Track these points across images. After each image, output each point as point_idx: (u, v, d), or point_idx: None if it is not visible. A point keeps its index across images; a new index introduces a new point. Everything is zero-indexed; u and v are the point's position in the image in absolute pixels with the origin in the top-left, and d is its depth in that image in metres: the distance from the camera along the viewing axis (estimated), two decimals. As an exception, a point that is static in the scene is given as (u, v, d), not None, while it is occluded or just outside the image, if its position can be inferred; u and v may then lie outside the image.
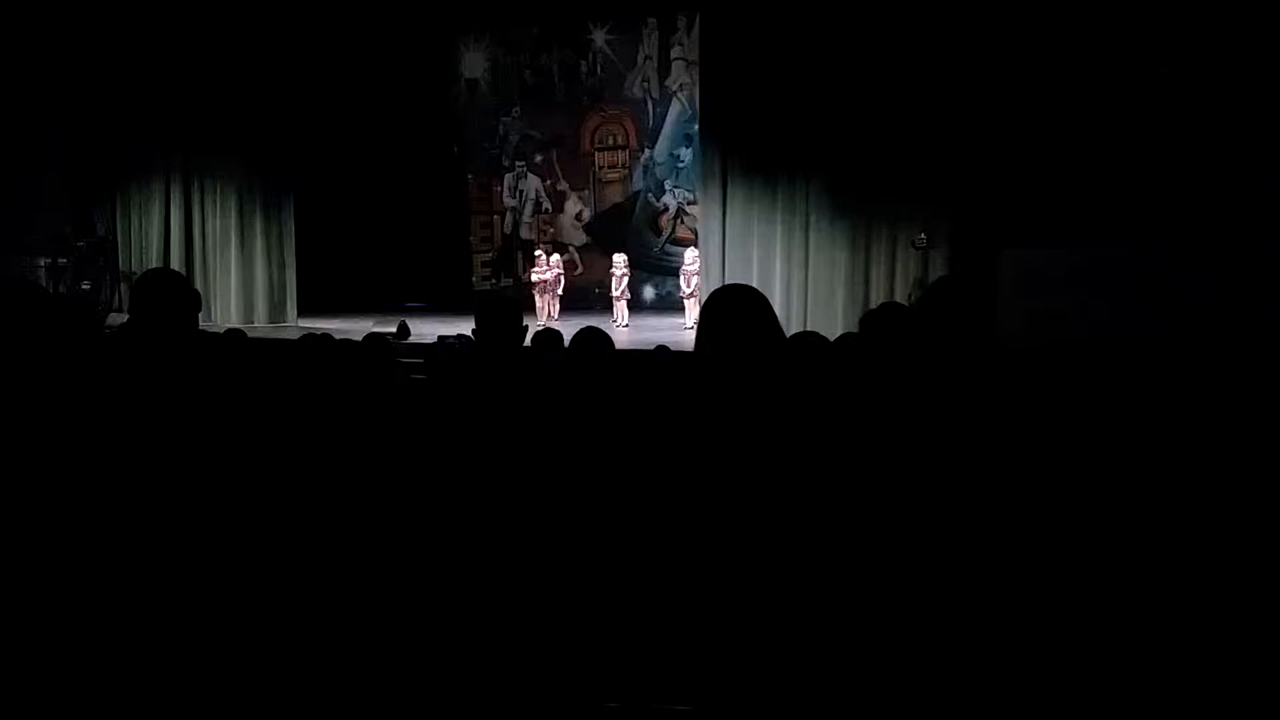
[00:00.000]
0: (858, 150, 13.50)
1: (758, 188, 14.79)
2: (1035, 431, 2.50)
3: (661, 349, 5.56)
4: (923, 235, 13.34)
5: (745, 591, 2.33)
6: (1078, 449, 2.58)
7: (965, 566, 2.32)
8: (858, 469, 2.40)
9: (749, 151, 14.70)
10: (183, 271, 16.72)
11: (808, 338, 3.48)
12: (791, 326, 13.20)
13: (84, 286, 16.64)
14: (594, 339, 3.73)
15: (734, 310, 2.49)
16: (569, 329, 4.05)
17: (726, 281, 11.54)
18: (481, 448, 2.93)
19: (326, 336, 5.46)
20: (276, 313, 17.71)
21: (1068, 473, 2.49)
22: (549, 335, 4.45)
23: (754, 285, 3.36)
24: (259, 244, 18.02)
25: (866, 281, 13.94)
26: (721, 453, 2.40)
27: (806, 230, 14.35)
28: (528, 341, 4.04)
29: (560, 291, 17.18)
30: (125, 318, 12.26)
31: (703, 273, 15.28)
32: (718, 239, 15.13)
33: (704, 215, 15.76)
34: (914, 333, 3.45)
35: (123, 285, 17.31)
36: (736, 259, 14.84)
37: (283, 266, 18.10)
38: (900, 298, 13.21)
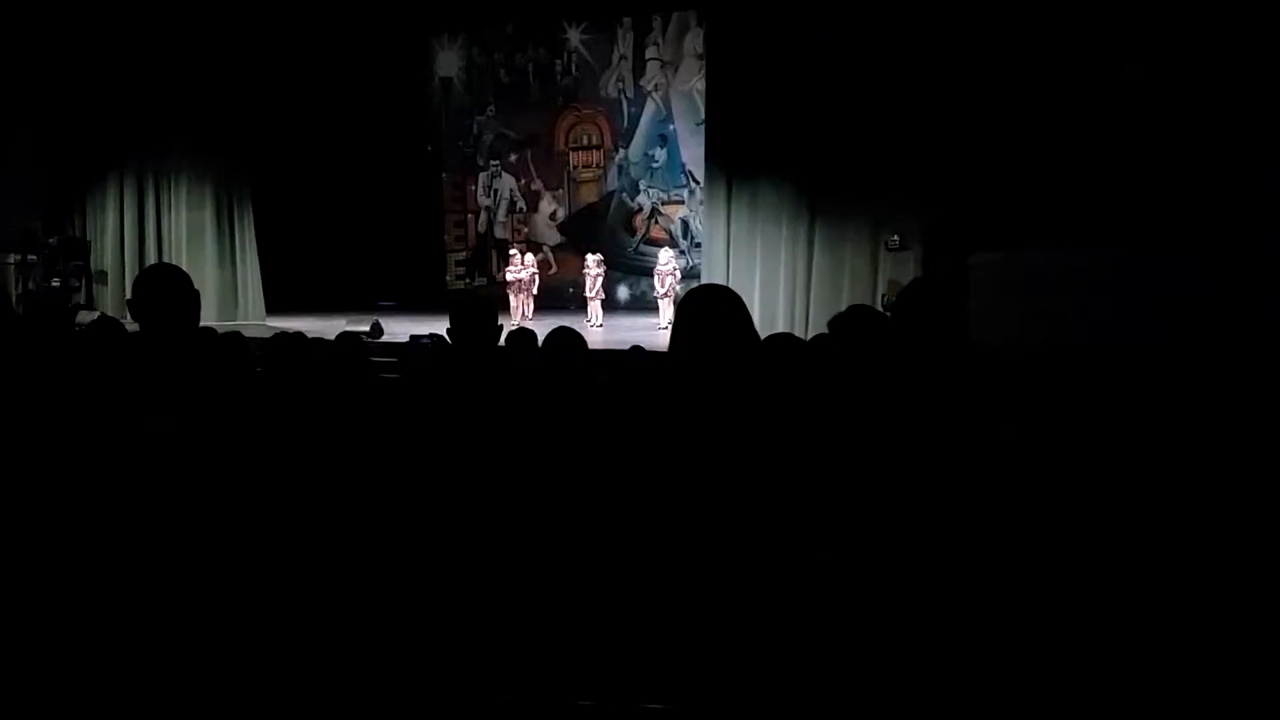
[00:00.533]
0: (845, 151, 13.47)
1: (761, 189, 14.72)
2: (1006, 432, 2.52)
3: (636, 349, 5.57)
4: (895, 237, 13.40)
5: (719, 590, 2.34)
6: (1052, 451, 2.60)
7: (938, 567, 2.34)
8: (831, 469, 2.41)
9: (753, 152, 14.61)
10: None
11: (782, 339, 3.49)
12: (794, 327, 13.27)
13: (53, 284, 16.49)
14: (567, 339, 3.74)
15: (709, 311, 2.50)
16: (543, 328, 4.05)
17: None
18: (456, 448, 2.93)
19: (299, 335, 5.45)
20: (229, 311, 17.56)
21: (1040, 474, 2.51)
22: (522, 335, 4.47)
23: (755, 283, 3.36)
24: (226, 242, 17.92)
25: (839, 283, 13.95)
26: (695, 453, 2.41)
27: (799, 229, 14.32)
28: (502, 341, 4.06)
29: (535, 291, 17.16)
30: (96, 315, 12.03)
31: (706, 275, 15.15)
32: (722, 243, 15.03)
33: (708, 218, 15.64)
34: (881, 336, 3.50)
35: (95, 284, 17.20)
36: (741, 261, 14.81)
37: (244, 265, 18.00)
38: (877, 298, 13.27)
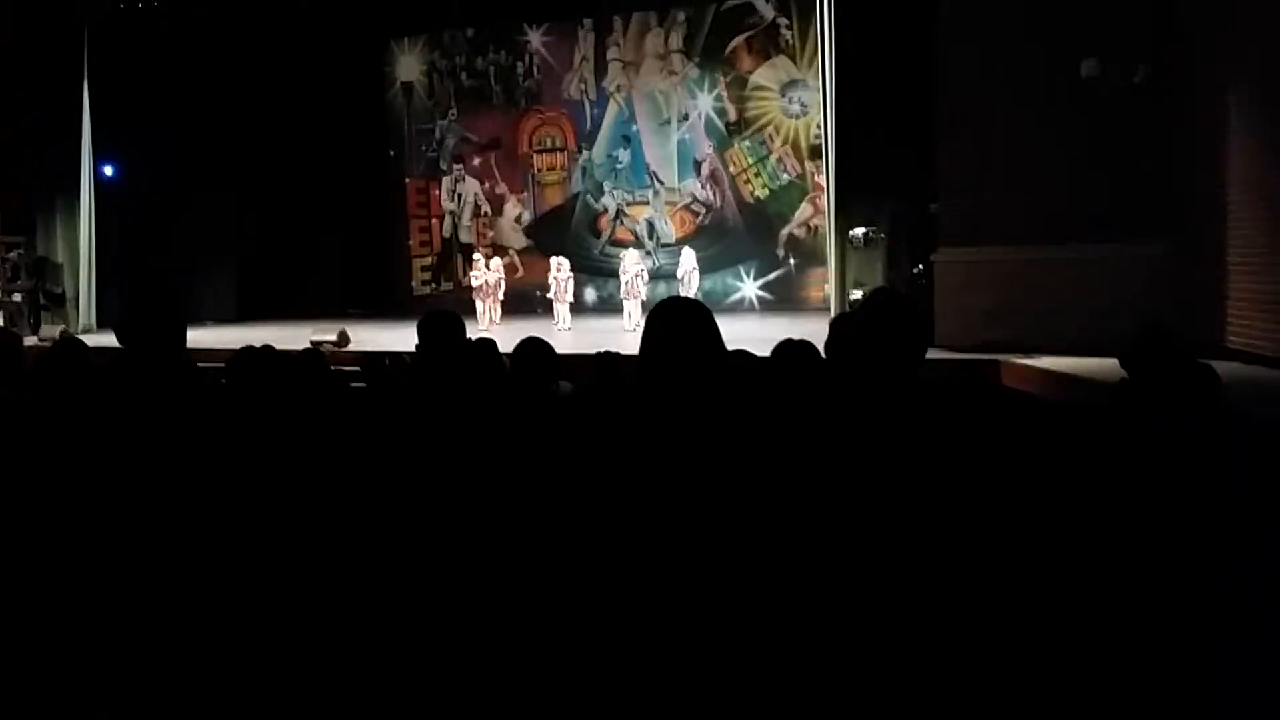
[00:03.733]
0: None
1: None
2: (952, 461, 2.52)
3: (606, 354, 5.54)
4: (860, 231, 13.41)
5: (686, 604, 2.34)
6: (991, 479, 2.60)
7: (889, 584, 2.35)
8: (786, 487, 2.41)
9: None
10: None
11: (741, 355, 3.50)
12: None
13: (14, 299, 16.32)
14: (536, 352, 3.72)
15: (677, 325, 2.50)
16: (510, 332, 4.04)
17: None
18: (422, 466, 2.92)
19: (267, 349, 5.39)
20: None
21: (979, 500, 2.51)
22: (483, 347, 4.41)
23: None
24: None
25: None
26: (663, 467, 2.40)
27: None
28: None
29: (501, 295, 17.09)
30: (59, 330, 11.93)
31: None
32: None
33: None
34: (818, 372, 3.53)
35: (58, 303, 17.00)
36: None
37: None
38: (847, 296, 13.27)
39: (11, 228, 16.59)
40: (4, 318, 16.22)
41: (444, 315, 3.43)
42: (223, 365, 4.17)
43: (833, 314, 13.40)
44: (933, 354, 2.95)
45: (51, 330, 15.43)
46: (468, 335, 3.59)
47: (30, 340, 14.08)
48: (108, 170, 17.78)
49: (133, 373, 3.15)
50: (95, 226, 17.17)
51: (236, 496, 2.93)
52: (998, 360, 10.33)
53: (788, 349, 3.90)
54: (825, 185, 14.25)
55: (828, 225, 13.93)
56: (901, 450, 2.44)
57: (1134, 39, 10.65)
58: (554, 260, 16.72)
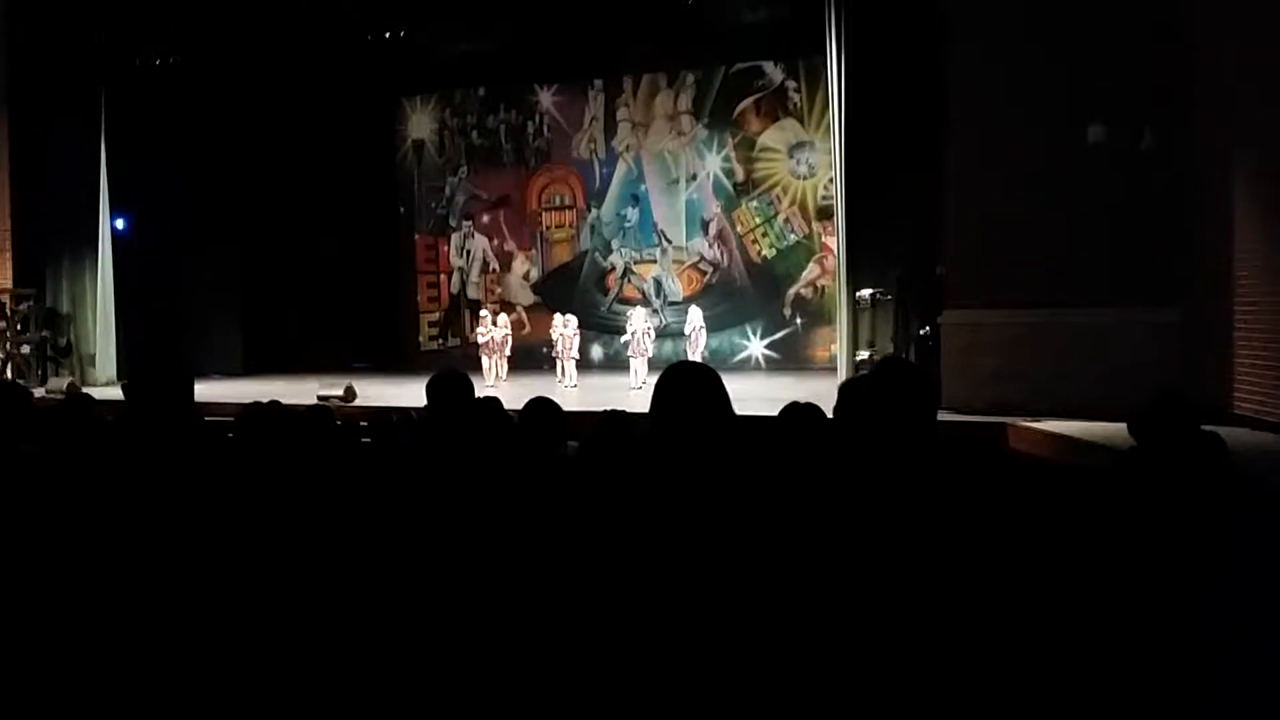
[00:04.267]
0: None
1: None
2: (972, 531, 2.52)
3: (612, 413, 5.54)
4: (866, 293, 13.45)
5: (693, 665, 2.33)
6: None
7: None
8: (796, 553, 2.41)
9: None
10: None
11: (751, 421, 3.50)
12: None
13: (23, 351, 16.38)
14: (544, 412, 3.72)
15: (687, 390, 2.51)
16: (516, 389, 4.05)
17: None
18: (427, 527, 2.91)
19: (274, 404, 5.41)
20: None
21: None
22: (490, 406, 4.40)
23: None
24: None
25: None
26: (671, 531, 2.40)
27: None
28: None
29: (508, 351, 17.12)
30: (66, 382, 11.95)
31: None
32: None
33: None
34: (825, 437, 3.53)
35: (64, 355, 17.05)
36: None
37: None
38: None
39: (21, 280, 16.68)
40: (13, 370, 16.28)
41: (453, 376, 3.44)
42: (230, 419, 4.20)
43: (840, 374, 13.41)
44: (939, 415, 2.95)
45: (59, 383, 15.47)
46: (475, 395, 3.59)
47: (38, 392, 14.12)
48: (118, 224, 17.94)
49: (140, 428, 3.17)
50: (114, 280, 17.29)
51: (243, 550, 2.93)
52: (1004, 423, 10.31)
53: (794, 412, 3.90)
54: (835, 247, 14.30)
55: (837, 287, 13.97)
56: (911, 516, 2.44)
57: (1142, 105, 10.74)
58: (559, 317, 16.76)
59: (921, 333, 12.57)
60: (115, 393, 10.72)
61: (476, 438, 3.27)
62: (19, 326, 16.45)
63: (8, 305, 16.38)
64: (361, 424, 6.56)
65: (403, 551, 2.97)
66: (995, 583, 2.48)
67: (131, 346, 16.81)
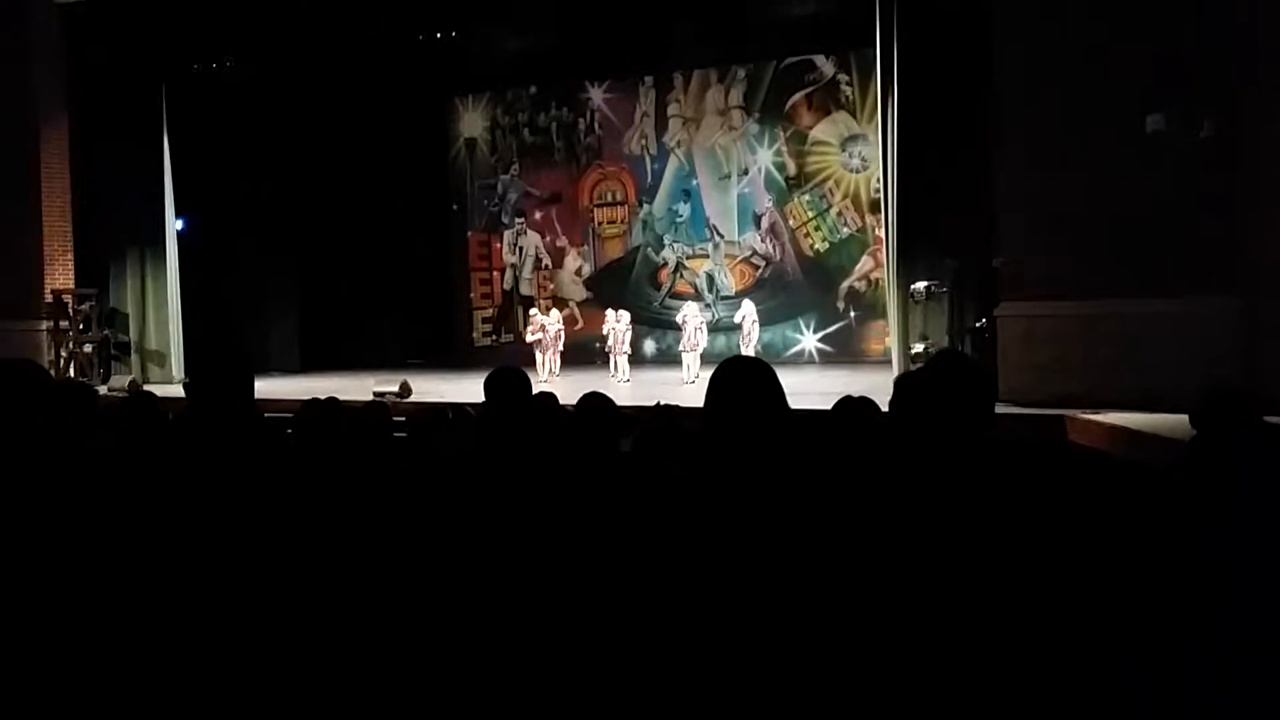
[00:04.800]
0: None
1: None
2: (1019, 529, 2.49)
3: (664, 407, 5.55)
4: (920, 286, 13.29)
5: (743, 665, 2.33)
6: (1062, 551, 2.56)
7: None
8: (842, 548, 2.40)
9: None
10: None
11: (809, 415, 3.50)
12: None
13: (85, 350, 16.67)
14: (598, 406, 3.73)
15: (742, 384, 2.50)
16: (569, 384, 4.06)
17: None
18: (490, 526, 2.93)
19: (331, 400, 5.46)
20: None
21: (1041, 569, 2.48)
22: (546, 401, 4.43)
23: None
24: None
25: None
26: (730, 527, 2.40)
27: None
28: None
29: (560, 347, 17.18)
30: (128, 380, 12.16)
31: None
32: None
33: None
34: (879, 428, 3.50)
35: (123, 353, 17.31)
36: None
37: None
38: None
39: (83, 280, 16.98)
40: (75, 368, 16.58)
41: (510, 373, 3.46)
42: (289, 415, 4.24)
43: (894, 367, 13.31)
44: (997, 408, 2.91)
45: (122, 381, 15.73)
46: (532, 391, 3.61)
47: (101, 390, 14.38)
48: (178, 224, 18.22)
49: (202, 426, 3.22)
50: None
51: (303, 546, 2.96)
52: (1063, 415, 10.19)
53: (849, 406, 3.89)
54: (885, 239, 14.17)
55: (888, 279, 13.85)
56: (968, 512, 2.42)
57: (1200, 93, 10.55)
58: (611, 313, 16.78)
59: (977, 325, 12.43)
60: (178, 390, 10.90)
61: (534, 433, 3.28)
62: (81, 325, 16.74)
63: (70, 305, 16.68)
64: (418, 419, 6.60)
65: (458, 549, 2.99)
66: (1054, 579, 2.46)
67: (192, 345, 17.06)
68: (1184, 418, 3.99)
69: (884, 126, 13.61)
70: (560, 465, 3.26)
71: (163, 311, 17.26)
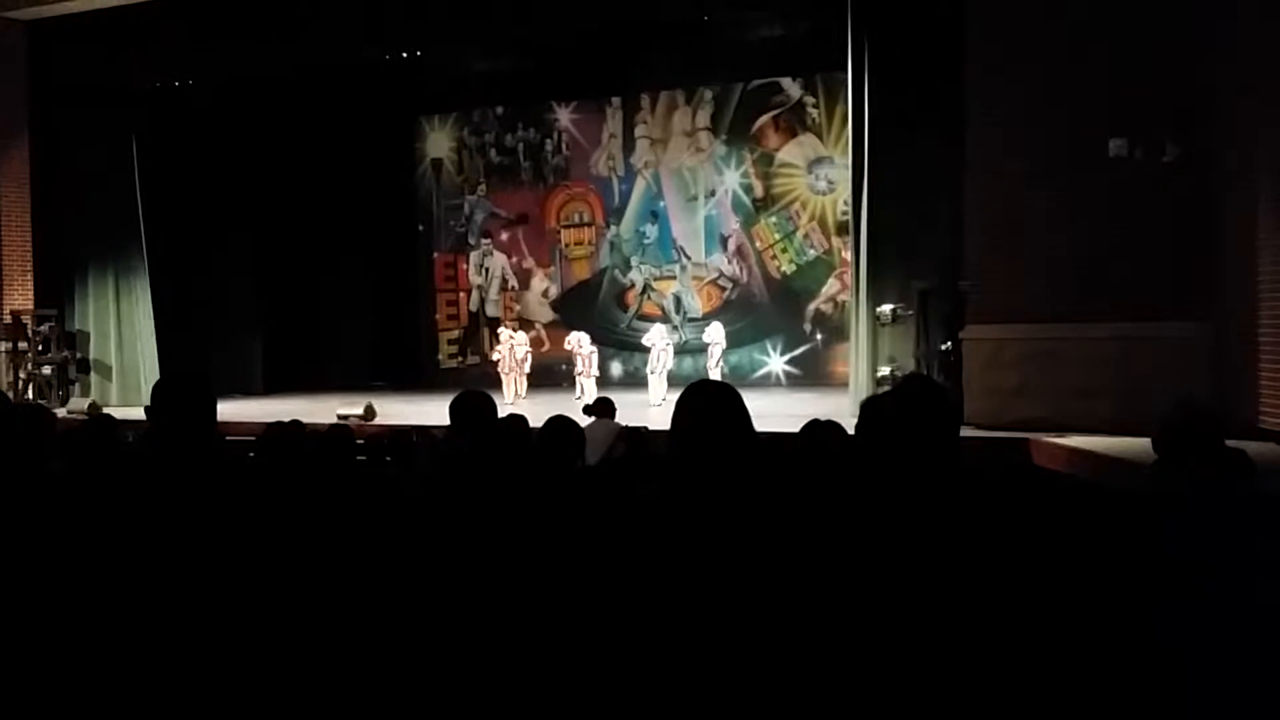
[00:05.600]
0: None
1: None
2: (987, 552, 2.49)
3: (630, 429, 5.53)
4: (886, 309, 13.35)
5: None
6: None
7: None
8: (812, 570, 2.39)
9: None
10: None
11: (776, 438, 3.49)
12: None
13: (44, 371, 16.49)
14: (563, 429, 3.71)
15: (708, 408, 2.50)
16: (535, 406, 4.04)
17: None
18: (457, 547, 2.90)
19: (295, 423, 5.41)
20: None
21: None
22: (516, 423, 4.40)
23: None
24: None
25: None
26: (695, 550, 2.39)
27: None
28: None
29: (527, 369, 17.14)
30: (87, 403, 12.01)
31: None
32: None
33: None
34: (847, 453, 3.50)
35: (83, 373, 17.11)
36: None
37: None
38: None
39: (43, 301, 16.81)
40: (34, 390, 16.38)
41: (476, 397, 3.43)
42: (251, 438, 4.20)
43: (855, 391, 13.33)
44: (962, 431, 2.92)
45: (81, 403, 15.55)
46: (499, 414, 3.59)
47: (60, 412, 14.21)
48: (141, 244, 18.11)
49: (162, 449, 3.17)
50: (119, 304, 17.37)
51: (264, 570, 2.92)
52: (1028, 439, 10.25)
53: (816, 430, 3.88)
54: (853, 261, 14.21)
55: (854, 303, 13.90)
56: (934, 534, 2.42)
57: (1162, 117, 10.68)
58: (573, 336, 16.74)
59: (943, 348, 12.49)
60: (141, 412, 10.75)
61: (500, 457, 3.26)
62: (40, 347, 16.55)
63: (29, 326, 16.49)
64: (382, 442, 6.57)
65: (423, 570, 2.96)
66: (1018, 601, 2.46)
67: (158, 366, 16.94)
68: (1148, 441, 4.00)
69: (855, 148, 13.67)
70: (529, 488, 3.23)
71: (131, 331, 17.10)
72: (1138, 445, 7.60)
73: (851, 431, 4.03)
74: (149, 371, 16.77)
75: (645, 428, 5.41)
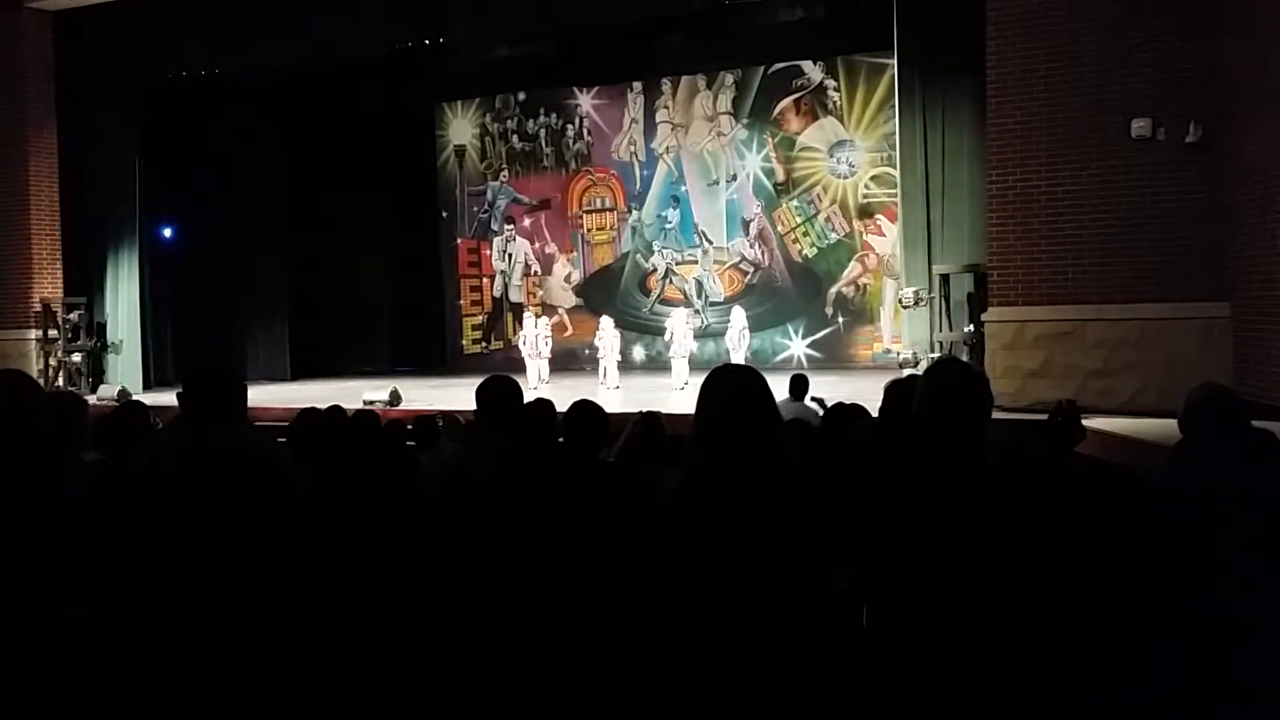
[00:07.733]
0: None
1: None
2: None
3: (649, 414, 5.54)
4: (910, 291, 13.32)
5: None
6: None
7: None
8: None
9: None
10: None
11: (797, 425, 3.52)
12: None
13: (74, 359, 16.63)
14: (589, 415, 3.75)
15: (732, 390, 2.52)
16: (559, 391, 4.08)
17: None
18: (483, 537, 2.94)
19: (335, 409, 5.44)
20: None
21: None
22: (541, 407, 4.44)
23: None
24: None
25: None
26: (722, 535, 2.42)
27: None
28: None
29: (549, 354, 17.19)
30: (116, 390, 12.07)
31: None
32: None
33: None
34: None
35: (108, 357, 17.23)
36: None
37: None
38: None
39: (74, 289, 16.95)
40: (64, 378, 16.53)
41: (502, 380, 3.47)
42: (280, 424, 4.26)
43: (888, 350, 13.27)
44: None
45: (111, 390, 15.69)
46: (524, 399, 3.63)
47: (91, 399, 14.34)
48: (166, 232, 18.24)
49: (194, 435, 3.22)
50: (150, 288, 17.49)
51: (301, 554, 2.97)
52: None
53: (841, 412, 3.91)
54: (887, 244, 14.19)
55: (903, 277, 13.85)
56: (965, 515, 2.44)
57: (1185, 99, 10.62)
58: (602, 320, 16.83)
59: (966, 330, 12.47)
60: (168, 398, 10.87)
61: (526, 441, 3.30)
62: (69, 335, 16.69)
63: (59, 314, 16.64)
64: (407, 427, 6.62)
65: (453, 555, 3.00)
66: (1052, 579, 2.48)
67: (183, 353, 17.11)
68: (1171, 422, 4.01)
69: (900, 132, 13.65)
70: (558, 471, 3.28)
71: (145, 317, 17.26)
72: (1162, 426, 7.60)
73: (875, 414, 4.07)
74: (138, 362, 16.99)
75: (659, 412, 5.42)
